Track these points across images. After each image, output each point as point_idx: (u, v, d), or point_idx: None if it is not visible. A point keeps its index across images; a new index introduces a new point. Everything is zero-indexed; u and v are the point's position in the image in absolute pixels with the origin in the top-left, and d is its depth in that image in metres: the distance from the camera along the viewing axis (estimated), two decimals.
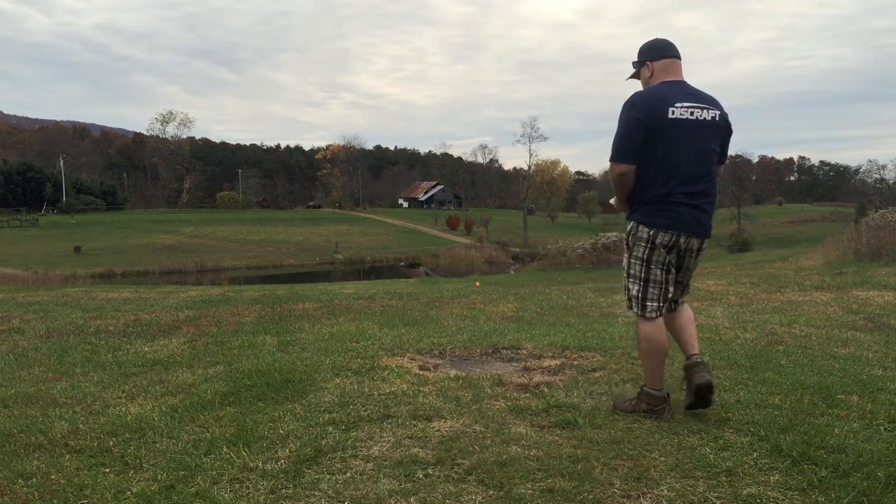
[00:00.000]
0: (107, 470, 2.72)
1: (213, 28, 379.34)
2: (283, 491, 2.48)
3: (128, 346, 5.50)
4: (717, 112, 3.09)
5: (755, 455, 2.73)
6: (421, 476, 2.59)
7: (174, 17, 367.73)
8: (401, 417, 3.29)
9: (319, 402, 3.57)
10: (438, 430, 3.09)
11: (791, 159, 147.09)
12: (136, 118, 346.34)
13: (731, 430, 3.03)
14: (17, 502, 2.43)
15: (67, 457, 2.87)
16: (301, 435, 3.04)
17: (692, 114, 3.03)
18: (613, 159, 3.09)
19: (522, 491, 2.43)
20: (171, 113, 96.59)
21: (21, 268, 33.15)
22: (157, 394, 3.90)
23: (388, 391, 3.77)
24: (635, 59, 3.28)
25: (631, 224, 3.19)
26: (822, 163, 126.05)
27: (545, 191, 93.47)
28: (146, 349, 5.37)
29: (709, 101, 3.11)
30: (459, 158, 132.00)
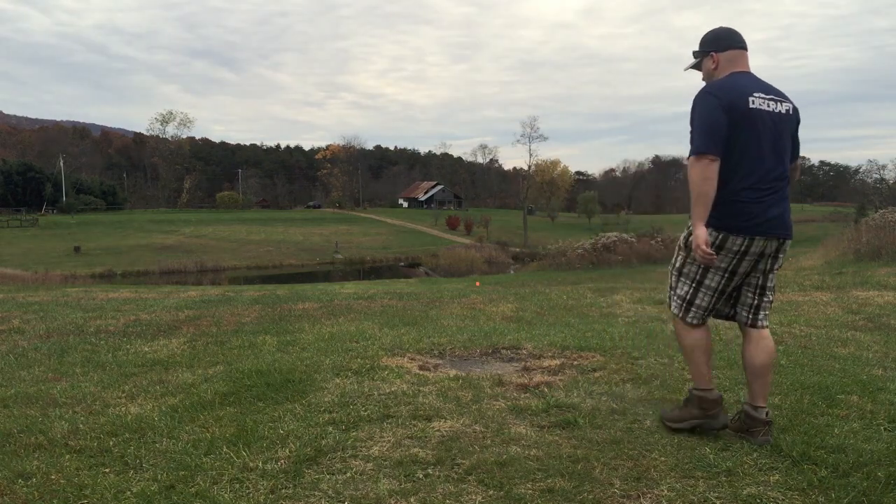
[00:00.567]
0: (107, 470, 2.72)
1: (212, 28, 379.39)
2: (283, 491, 2.48)
3: (128, 346, 5.50)
4: (790, 105, 2.88)
5: (755, 455, 2.73)
6: (421, 476, 2.59)
7: (173, 17, 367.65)
8: (401, 417, 3.29)
9: (319, 402, 3.57)
10: (438, 430, 3.09)
11: None
12: (136, 118, 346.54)
13: (731, 431, 3.03)
14: (17, 502, 2.44)
15: (67, 457, 2.87)
16: (301, 435, 3.04)
17: (769, 105, 2.80)
18: (698, 151, 2.70)
19: (522, 491, 2.43)
20: (171, 113, 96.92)
21: (21, 268, 33.15)
22: (157, 394, 3.90)
23: (388, 391, 3.77)
24: (696, 48, 3.02)
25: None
26: (822, 163, 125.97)
27: (545, 191, 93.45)
28: (146, 349, 5.37)
29: (781, 94, 2.88)
30: (459, 158, 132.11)
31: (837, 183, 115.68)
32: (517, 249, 55.51)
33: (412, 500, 2.39)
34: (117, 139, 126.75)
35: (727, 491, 2.41)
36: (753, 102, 2.76)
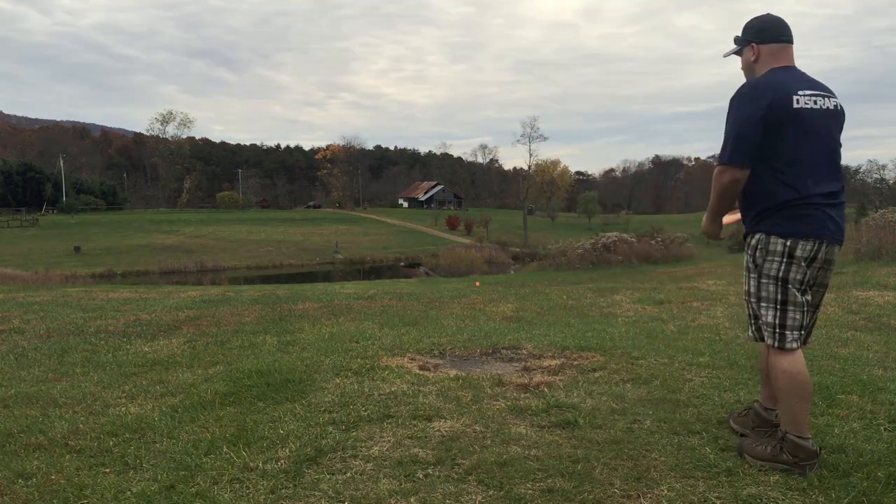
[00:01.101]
0: (107, 470, 2.72)
1: (211, 28, 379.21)
2: (283, 491, 2.48)
3: (128, 346, 5.50)
4: (837, 100, 2.70)
5: None
6: (421, 476, 2.59)
7: (172, 17, 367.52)
8: (401, 417, 3.29)
9: (319, 402, 3.57)
10: (438, 430, 3.09)
11: None
12: (136, 118, 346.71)
13: (731, 430, 3.03)
14: (17, 502, 2.44)
15: (67, 457, 2.87)
16: (301, 435, 3.04)
17: (816, 102, 2.60)
18: (727, 161, 2.56)
19: (522, 491, 2.43)
20: (171, 113, 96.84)
21: (21, 268, 33.15)
22: (157, 394, 3.90)
23: (388, 391, 3.77)
24: (738, 34, 2.83)
25: (758, 236, 2.66)
26: None
27: (545, 191, 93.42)
28: (146, 349, 5.37)
29: (827, 89, 2.70)
30: (459, 158, 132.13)
31: None
32: (517, 249, 55.52)
33: (412, 500, 2.39)
34: (117, 139, 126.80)
35: (727, 491, 2.41)
36: (798, 101, 2.57)
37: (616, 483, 2.49)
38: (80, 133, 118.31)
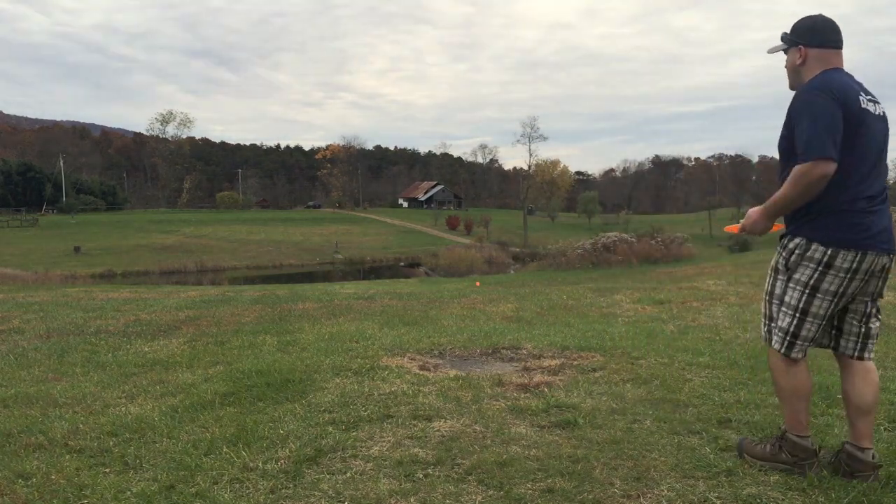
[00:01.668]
0: (107, 470, 2.72)
1: (210, 28, 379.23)
2: (283, 491, 2.48)
3: (128, 346, 5.50)
4: (883, 108, 2.61)
5: None
6: (421, 476, 2.59)
7: (172, 17, 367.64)
8: (401, 417, 3.29)
9: (319, 402, 3.57)
10: (438, 430, 3.09)
11: None
12: (136, 118, 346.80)
13: (731, 430, 3.03)
14: (17, 502, 2.44)
15: (67, 457, 2.87)
16: (301, 435, 3.04)
17: (871, 107, 2.51)
18: (817, 155, 2.36)
19: (522, 491, 2.43)
20: (171, 113, 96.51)
21: (21, 268, 33.11)
22: (157, 394, 3.90)
23: (388, 391, 3.77)
24: (786, 32, 2.68)
25: (798, 240, 2.53)
26: None
27: (545, 191, 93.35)
28: (146, 349, 5.37)
29: (874, 95, 2.59)
30: (459, 158, 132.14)
31: None
32: (517, 249, 55.51)
33: (412, 500, 2.39)
34: (117, 139, 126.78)
35: (727, 491, 2.41)
36: (863, 103, 2.48)
37: (616, 483, 2.49)
38: (79, 133, 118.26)
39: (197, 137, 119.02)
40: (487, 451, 2.82)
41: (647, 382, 3.88)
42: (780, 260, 2.60)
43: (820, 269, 2.46)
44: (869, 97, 2.53)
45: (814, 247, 2.47)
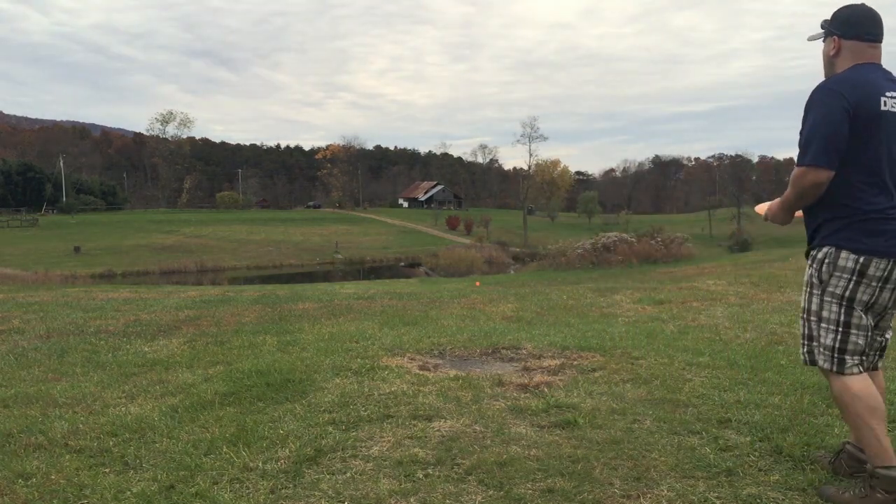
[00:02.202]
0: (107, 470, 2.72)
1: (210, 28, 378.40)
2: (283, 491, 2.48)
3: (128, 346, 5.50)
4: None
5: (755, 455, 2.73)
6: (421, 476, 2.59)
7: (171, 17, 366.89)
8: (401, 417, 3.30)
9: (319, 402, 3.57)
10: (438, 430, 3.09)
11: (791, 159, 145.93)
12: (136, 118, 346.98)
13: (731, 430, 3.03)
14: (17, 502, 2.44)
15: (67, 457, 2.87)
16: (301, 435, 3.04)
17: None
18: (811, 163, 2.31)
19: (522, 491, 2.43)
20: (171, 113, 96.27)
21: (21, 268, 33.13)
22: (157, 394, 3.90)
23: (388, 391, 3.77)
24: (826, 18, 2.54)
25: (826, 249, 2.42)
26: None
27: (545, 191, 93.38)
28: (146, 349, 5.37)
29: None
30: (459, 158, 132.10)
31: None
32: (517, 249, 55.52)
33: (412, 500, 2.39)
34: (117, 139, 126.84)
35: (727, 491, 2.41)
36: (886, 104, 2.33)
37: (616, 483, 2.49)
38: (79, 133, 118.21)
39: (197, 137, 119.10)
40: (487, 451, 2.82)
41: (647, 382, 3.88)
42: (813, 273, 2.49)
43: (854, 278, 2.36)
44: None
45: (844, 255, 2.37)
